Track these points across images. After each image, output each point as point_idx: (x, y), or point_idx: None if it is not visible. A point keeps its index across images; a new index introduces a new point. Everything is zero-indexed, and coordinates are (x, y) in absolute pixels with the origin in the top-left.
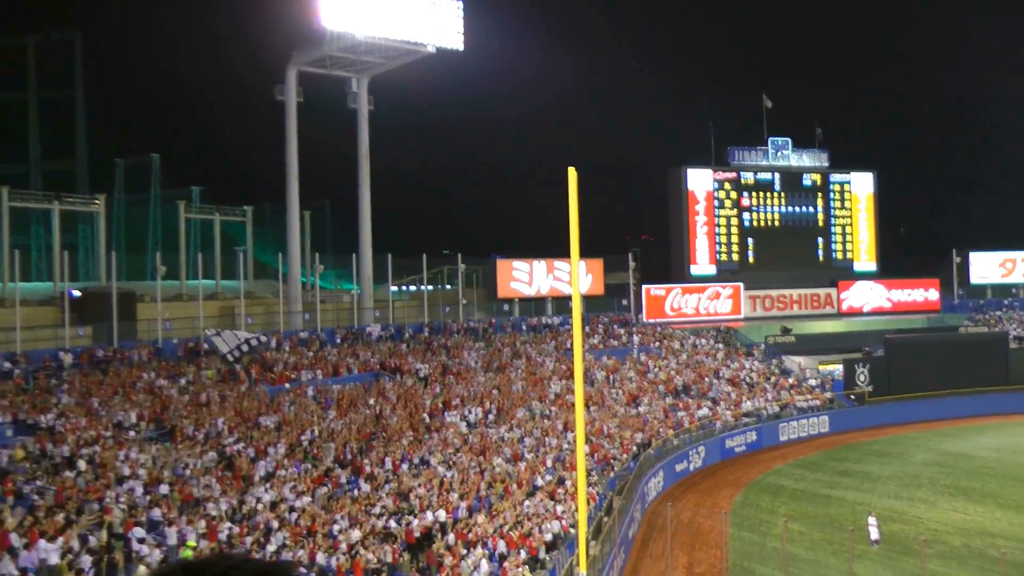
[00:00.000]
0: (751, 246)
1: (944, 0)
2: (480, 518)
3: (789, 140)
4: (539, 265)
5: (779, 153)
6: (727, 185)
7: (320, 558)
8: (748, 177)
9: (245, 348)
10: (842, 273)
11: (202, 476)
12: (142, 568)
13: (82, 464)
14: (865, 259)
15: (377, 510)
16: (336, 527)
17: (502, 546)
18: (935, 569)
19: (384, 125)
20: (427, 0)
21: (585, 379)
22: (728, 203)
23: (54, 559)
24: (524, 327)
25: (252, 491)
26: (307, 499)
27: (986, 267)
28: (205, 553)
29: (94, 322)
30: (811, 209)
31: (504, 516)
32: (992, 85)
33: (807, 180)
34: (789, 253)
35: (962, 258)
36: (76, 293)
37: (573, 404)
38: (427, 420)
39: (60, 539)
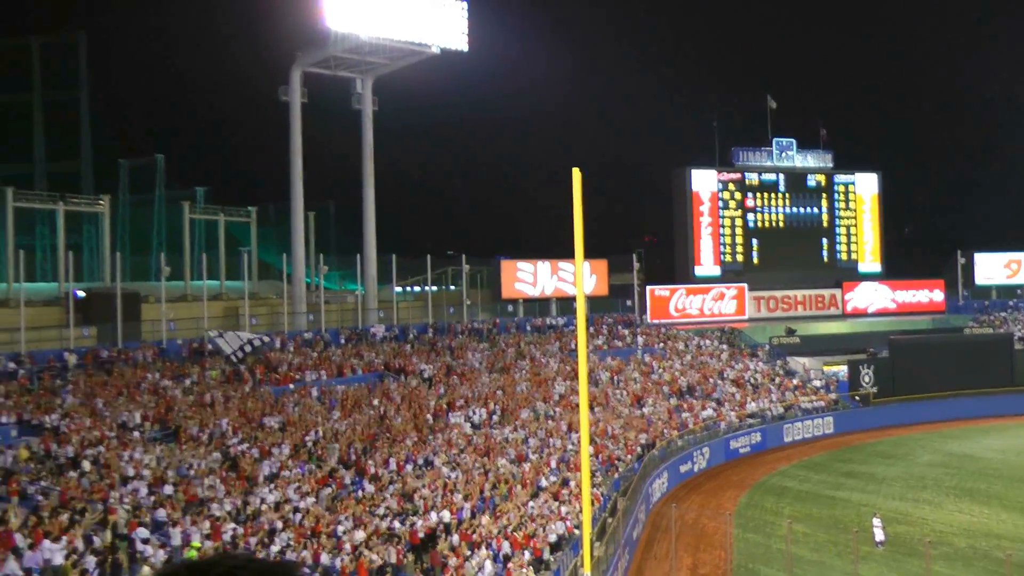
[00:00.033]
0: (755, 247)
1: (951, 2)
2: (484, 519)
3: (794, 141)
4: (543, 266)
5: (783, 154)
6: (731, 186)
7: (324, 559)
8: (752, 178)
9: (248, 349)
10: (847, 274)
11: (206, 477)
12: (146, 569)
13: (86, 464)
14: (870, 260)
15: (381, 511)
16: (340, 528)
17: (506, 547)
18: (940, 571)
19: (388, 126)
20: (432, 1)
21: (589, 380)
22: (732, 204)
23: (58, 559)
24: (528, 328)
25: (256, 492)
26: (311, 500)
27: (991, 268)
28: (209, 553)
29: (98, 323)
30: (815, 210)
31: (508, 517)
32: (997, 85)
33: (811, 181)
34: (793, 254)
35: (967, 259)
36: (81, 294)
37: (577, 405)
38: (431, 421)
39: (64, 539)
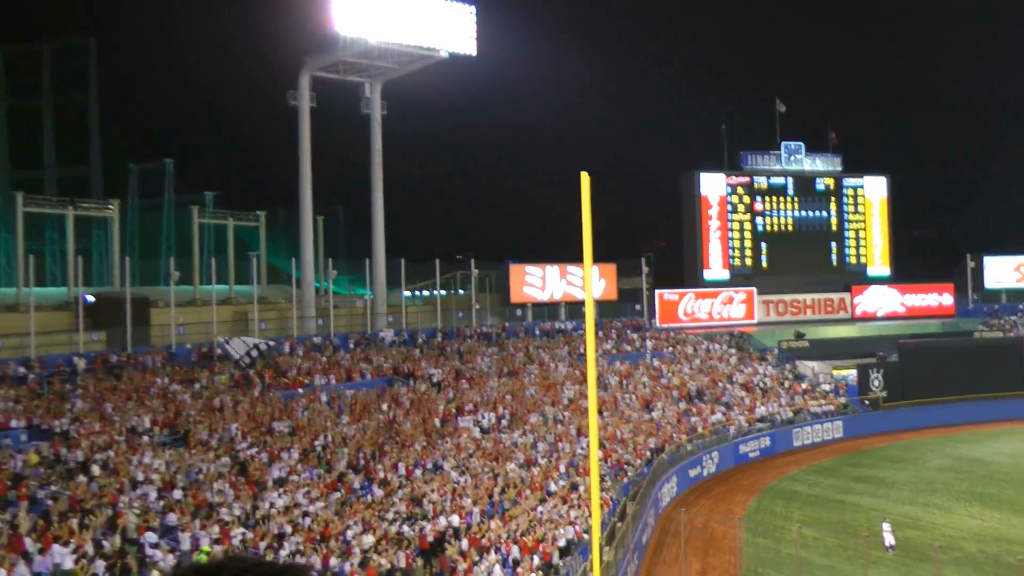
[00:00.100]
0: (764, 251)
1: (959, 4)
2: (493, 523)
3: (802, 144)
4: (552, 270)
5: (792, 157)
6: (740, 190)
7: (333, 563)
8: (761, 181)
9: (255, 354)
10: (856, 278)
11: (215, 481)
12: (155, 573)
13: (96, 469)
14: (879, 263)
15: (390, 515)
16: (349, 532)
17: (515, 551)
18: (950, 575)
19: (397, 130)
20: (440, 5)
21: (598, 384)
22: (741, 208)
23: (68, 564)
24: (537, 332)
25: (265, 496)
26: (320, 504)
27: (1001, 271)
28: (218, 557)
29: (108, 327)
30: (824, 213)
31: (517, 521)
32: (1006, 88)
33: (820, 184)
34: (802, 258)
35: (976, 262)
36: (90, 298)
37: (586, 409)
38: (440, 425)
39: (74, 543)
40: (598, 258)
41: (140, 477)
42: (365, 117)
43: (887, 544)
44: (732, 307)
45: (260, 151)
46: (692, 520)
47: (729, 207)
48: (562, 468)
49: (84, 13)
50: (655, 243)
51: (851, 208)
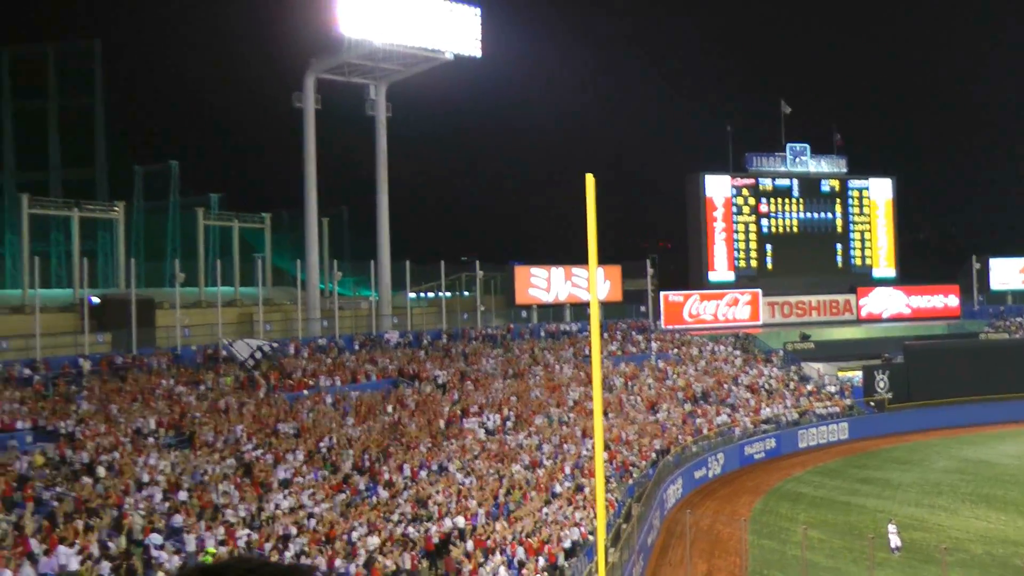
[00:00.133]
0: (769, 252)
1: (964, 5)
2: (499, 525)
3: (807, 146)
4: (557, 271)
5: (797, 159)
6: (745, 191)
7: (339, 564)
8: (766, 183)
9: (259, 356)
10: (861, 279)
11: (221, 482)
12: (161, 574)
13: (101, 470)
14: (884, 265)
15: (395, 517)
16: (354, 534)
17: (521, 553)
18: None
19: (402, 132)
20: (445, 7)
21: (603, 386)
22: (746, 209)
23: (74, 565)
24: (542, 333)
25: (270, 498)
26: (325, 506)
27: (1006, 273)
28: (224, 558)
29: (113, 329)
30: (830, 215)
31: (523, 523)
32: (1012, 90)
33: (825, 186)
34: (808, 259)
35: (982, 264)
36: (95, 300)
37: (591, 411)
38: (445, 427)
39: (79, 545)
40: (603, 260)
41: (145, 478)
42: (370, 119)
43: (893, 546)
44: (737, 309)
45: (265, 153)
46: (697, 522)
47: (734, 209)
48: (567, 469)
49: (89, 15)
50: (660, 245)
51: (856, 210)
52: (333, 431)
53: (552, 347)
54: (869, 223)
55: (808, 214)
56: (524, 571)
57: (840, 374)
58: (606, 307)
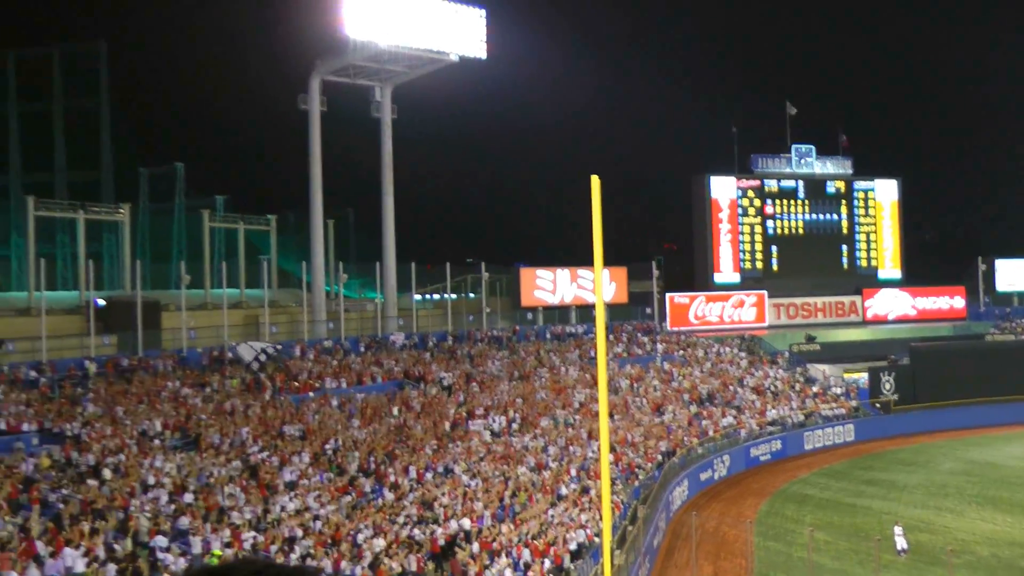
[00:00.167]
0: (775, 254)
1: (969, 6)
2: (504, 527)
3: (813, 147)
4: (563, 273)
5: (803, 160)
6: (751, 193)
7: (344, 566)
8: (772, 185)
9: (263, 358)
10: (867, 281)
11: (226, 485)
12: None
13: (107, 472)
14: (890, 267)
15: (401, 519)
16: (360, 536)
17: (526, 555)
18: None
19: (407, 134)
20: (450, 9)
21: (609, 388)
22: (752, 211)
23: (80, 567)
24: (548, 335)
25: (276, 500)
26: (331, 508)
27: (1012, 274)
28: (229, 560)
29: (119, 331)
30: (835, 216)
31: (528, 525)
32: (1018, 90)
33: (831, 187)
34: (813, 261)
35: (988, 265)
36: (101, 302)
37: (597, 413)
38: (451, 429)
39: (85, 547)
40: (609, 261)
41: (151, 481)
42: (375, 121)
43: (899, 548)
44: (743, 310)
45: (271, 155)
46: (703, 524)
47: (740, 210)
48: (573, 471)
49: (95, 17)
50: (665, 246)
51: (862, 211)
52: (339, 433)
53: (558, 349)
54: (875, 224)
55: (813, 215)
56: (530, 573)
57: (846, 376)
58: (612, 309)
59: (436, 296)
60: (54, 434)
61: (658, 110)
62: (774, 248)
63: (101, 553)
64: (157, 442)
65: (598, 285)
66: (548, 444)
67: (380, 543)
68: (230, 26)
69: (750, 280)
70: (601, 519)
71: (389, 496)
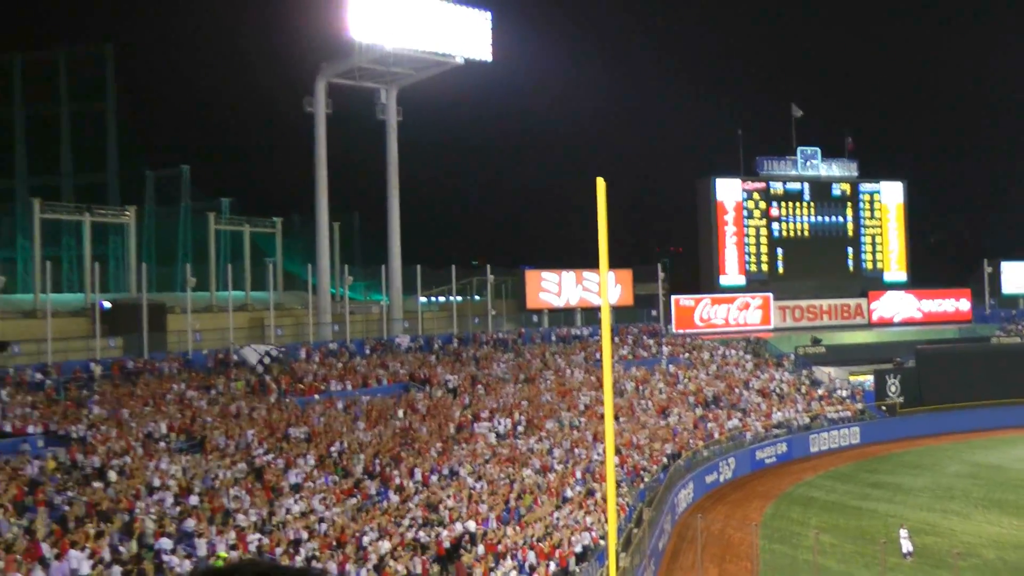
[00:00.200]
0: (780, 256)
1: (975, 9)
2: (510, 529)
3: (818, 150)
4: (568, 276)
5: (808, 163)
6: (756, 195)
7: (350, 569)
8: (777, 187)
9: (267, 361)
10: (872, 283)
11: (232, 487)
12: None
13: (112, 475)
14: (895, 269)
15: (406, 521)
16: (365, 538)
17: (531, 557)
18: None
19: (413, 136)
20: (456, 11)
21: (614, 390)
22: (757, 213)
23: (85, 569)
24: (553, 338)
25: (281, 502)
26: (336, 510)
27: (1018, 277)
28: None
29: (125, 333)
30: (841, 219)
31: (534, 527)
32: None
33: (836, 190)
34: (819, 263)
35: (994, 268)
36: (107, 304)
37: (602, 415)
38: (456, 431)
39: (90, 549)
40: (614, 264)
41: (157, 483)
42: (381, 123)
43: (905, 551)
44: (748, 313)
45: (276, 158)
46: (709, 526)
47: (745, 213)
48: (578, 474)
49: (101, 20)
50: (671, 249)
51: (867, 213)
52: (344, 436)
53: (563, 351)
54: (880, 227)
55: (819, 218)
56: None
57: (851, 378)
58: (617, 311)
59: (441, 298)
60: (59, 436)
61: (664, 112)
62: (779, 250)
63: (106, 555)
64: (162, 444)
65: (603, 287)
66: (553, 446)
67: (385, 545)
68: (236, 29)
69: (755, 282)
70: (606, 521)
71: (394, 498)
